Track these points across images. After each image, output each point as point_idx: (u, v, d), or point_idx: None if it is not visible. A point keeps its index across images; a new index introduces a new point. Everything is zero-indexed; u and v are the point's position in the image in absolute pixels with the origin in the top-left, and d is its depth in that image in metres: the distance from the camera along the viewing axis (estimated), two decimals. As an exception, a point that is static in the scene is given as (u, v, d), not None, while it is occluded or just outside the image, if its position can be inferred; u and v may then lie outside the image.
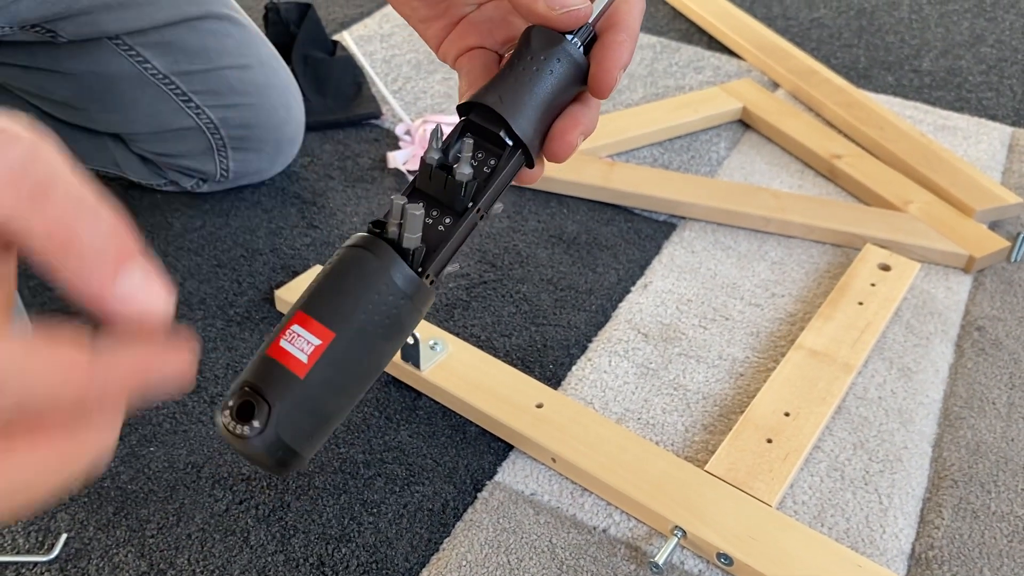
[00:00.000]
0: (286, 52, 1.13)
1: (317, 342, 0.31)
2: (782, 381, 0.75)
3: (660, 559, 0.60)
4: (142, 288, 0.24)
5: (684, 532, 0.62)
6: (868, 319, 0.81)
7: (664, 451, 0.68)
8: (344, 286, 0.32)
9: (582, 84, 0.40)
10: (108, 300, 0.24)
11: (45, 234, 0.23)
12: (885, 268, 0.88)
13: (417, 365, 0.72)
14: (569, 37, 0.39)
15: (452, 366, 0.73)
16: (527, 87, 0.37)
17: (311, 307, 0.32)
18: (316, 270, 0.84)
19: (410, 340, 0.71)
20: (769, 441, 0.69)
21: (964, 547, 0.65)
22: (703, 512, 0.63)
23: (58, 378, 0.23)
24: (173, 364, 0.26)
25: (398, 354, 0.73)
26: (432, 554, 0.62)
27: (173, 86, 0.86)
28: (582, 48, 0.39)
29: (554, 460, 0.68)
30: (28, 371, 0.22)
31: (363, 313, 0.32)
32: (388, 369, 0.75)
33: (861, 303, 0.83)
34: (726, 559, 0.61)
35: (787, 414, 0.72)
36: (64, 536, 0.62)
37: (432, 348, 0.74)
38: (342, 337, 0.31)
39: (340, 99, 1.12)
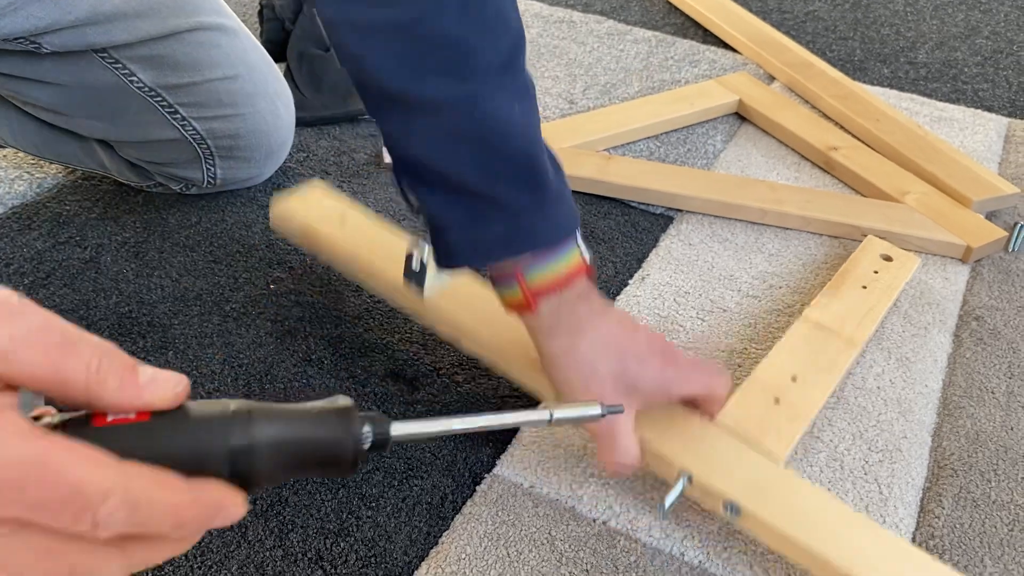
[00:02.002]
0: (281, 48, 1.13)
1: None
2: (789, 348, 0.75)
3: (667, 502, 0.59)
4: (157, 376, 0.33)
5: (691, 478, 0.61)
6: (871, 304, 0.81)
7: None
8: None
9: None
10: (141, 392, 0.32)
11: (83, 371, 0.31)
12: (887, 259, 0.88)
13: (421, 288, 0.71)
14: None
15: (454, 293, 0.71)
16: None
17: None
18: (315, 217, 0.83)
19: (415, 266, 0.69)
20: (776, 401, 0.69)
21: (964, 536, 0.65)
22: (711, 460, 0.61)
23: (172, 510, 0.31)
24: (235, 507, 0.33)
25: (400, 278, 0.72)
26: (431, 548, 0.62)
27: (159, 98, 0.84)
28: None
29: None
30: (155, 501, 0.31)
31: None
32: (391, 294, 0.75)
33: (865, 287, 0.83)
34: (733, 509, 0.59)
35: (794, 379, 0.71)
36: (61, 533, 0.62)
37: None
38: None
39: (335, 95, 1.11)
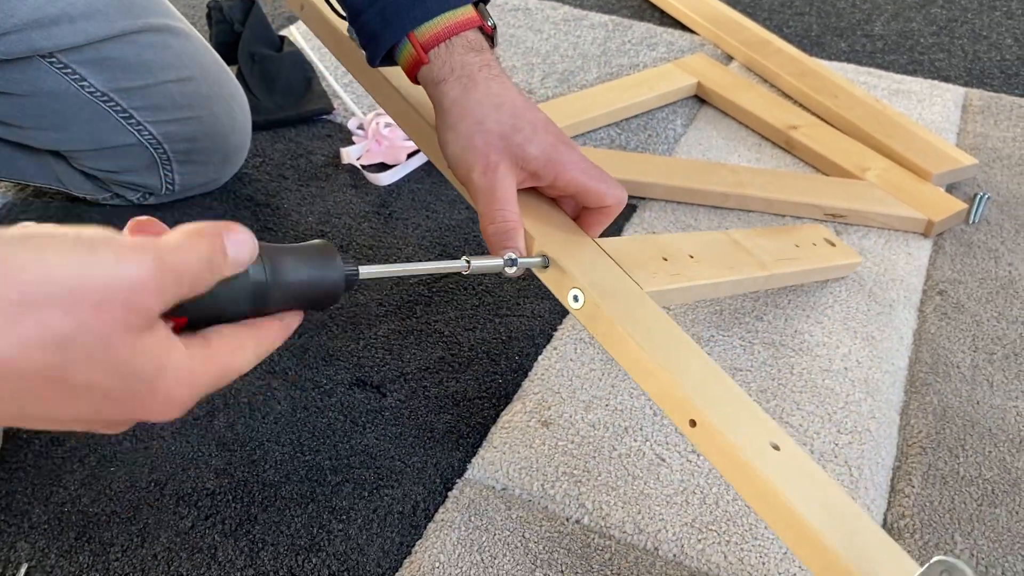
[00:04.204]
0: (232, 51, 1.11)
1: None
2: (697, 239, 0.73)
3: (515, 261, 0.55)
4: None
5: (548, 262, 0.57)
6: (797, 256, 0.80)
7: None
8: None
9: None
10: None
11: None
12: (830, 243, 0.87)
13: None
14: None
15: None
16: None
17: None
18: None
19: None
20: (665, 259, 0.67)
21: (935, 514, 0.65)
22: (576, 255, 0.58)
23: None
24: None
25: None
26: (404, 558, 0.62)
27: (112, 103, 0.83)
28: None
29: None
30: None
31: None
32: (347, 64, 0.75)
33: (797, 246, 0.82)
34: (577, 299, 0.56)
35: (691, 256, 0.70)
36: (25, 566, 0.60)
37: None
38: None
39: (290, 96, 1.10)
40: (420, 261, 0.49)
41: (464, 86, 0.58)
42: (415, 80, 0.61)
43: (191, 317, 0.37)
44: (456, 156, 0.58)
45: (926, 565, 0.40)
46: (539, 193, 0.62)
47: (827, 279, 0.86)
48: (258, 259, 0.39)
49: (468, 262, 0.51)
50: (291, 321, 0.42)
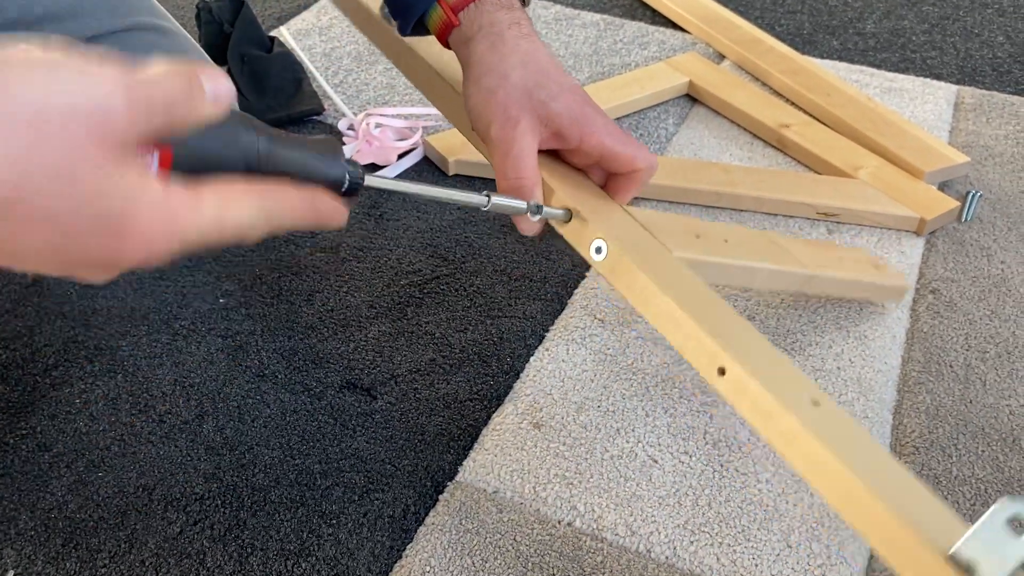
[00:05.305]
0: (221, 52, 1.10)
1: None
2: (735, 229, 0.71)
3: (540, 210, 0.53)
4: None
5: (571, 215, 0.55)
6: (840, 267, 0.77)
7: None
8: None
9: None
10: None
11: None
12: (875, 265, 0.83)
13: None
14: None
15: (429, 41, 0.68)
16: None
17: None
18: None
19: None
20: (697, 236, 0.65)
21: (928, 514, 0.65)
22: (601, 211, 0.56)
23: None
24: None
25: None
26: (395, 562, 0.61)
27: None
28: None
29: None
30: None
31: None
32: (369, 27, 0.76)
33: (841, 259, 0.79)
34: (600, 251, 0.54)
35: (726, 240, 0.67)
36: (11, 573, 0.60)
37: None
38: None
39: (280, 97, 1.09)
40: (436, 186, 0.46)
41: (492, 43, 0.57)
42: (447, 45, 0.61)
43: (176, 152, 0.35)
44: (476, 110, 0.56)
45: (989, 510, 0.37)
46: (565, 160, 0.60)
47: (871, 300, 0.81)
48: (250, 126, 0.38)
49: (488, 197, 0.48)
50: (312, 195, 0.39)
